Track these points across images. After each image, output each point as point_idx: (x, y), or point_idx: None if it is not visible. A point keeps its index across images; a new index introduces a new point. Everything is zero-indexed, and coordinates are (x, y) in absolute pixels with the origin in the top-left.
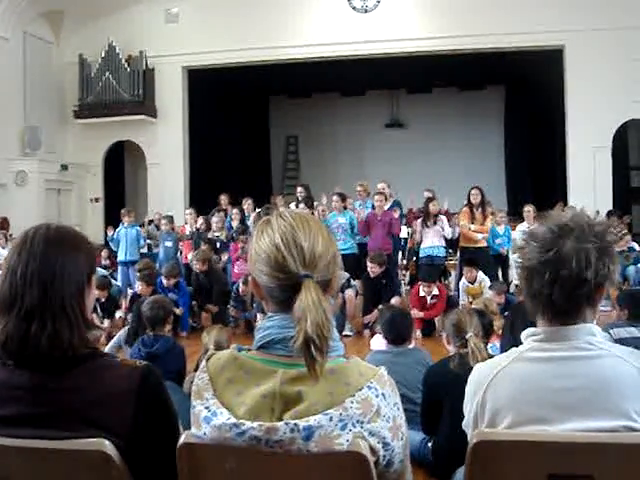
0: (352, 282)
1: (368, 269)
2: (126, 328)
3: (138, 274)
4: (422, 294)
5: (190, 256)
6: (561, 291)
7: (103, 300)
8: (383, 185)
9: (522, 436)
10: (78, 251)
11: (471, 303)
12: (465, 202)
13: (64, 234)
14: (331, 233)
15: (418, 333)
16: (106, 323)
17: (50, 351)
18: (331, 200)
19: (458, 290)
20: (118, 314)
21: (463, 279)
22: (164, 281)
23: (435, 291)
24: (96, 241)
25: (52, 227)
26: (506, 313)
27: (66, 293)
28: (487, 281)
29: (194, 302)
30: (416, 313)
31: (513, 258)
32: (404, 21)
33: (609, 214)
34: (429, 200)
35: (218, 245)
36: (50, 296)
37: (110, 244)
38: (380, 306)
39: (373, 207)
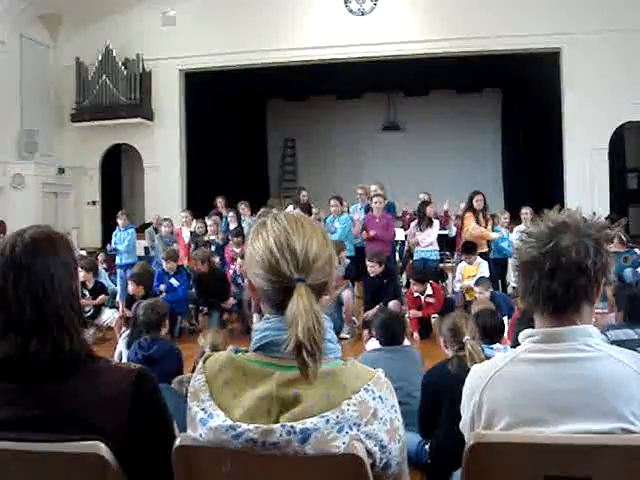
0: (350, 285)
1: (368, 268)
2: (125, 335)
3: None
4: (416, 295)
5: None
6: (561, 280)
7: (91, 286)
8: (375, 187)
9: (518, 438)
10: (60, 252)
11: (468, 298)
12: (463, 205)
13: (40, 240)
14: (327, 235)
15: (415, 335)
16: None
17: (52, 362)
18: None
19: (456, 292)
20: (112, 313)
21: (462, 262)
22: (165, 265)
23: (429, 290)
24: (93, 245)
25: (26, 237)
26: None
27: (60, 302)
28: (484, 265)
29: (191, 305)
30: (414, 313)
31: (512, 261)
32: (401, 24)
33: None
34: (425, 203)
35: (213, 248)
36: (45, 311)
37: (114, 238)
38: (379, 305)
39: (366, 210)
